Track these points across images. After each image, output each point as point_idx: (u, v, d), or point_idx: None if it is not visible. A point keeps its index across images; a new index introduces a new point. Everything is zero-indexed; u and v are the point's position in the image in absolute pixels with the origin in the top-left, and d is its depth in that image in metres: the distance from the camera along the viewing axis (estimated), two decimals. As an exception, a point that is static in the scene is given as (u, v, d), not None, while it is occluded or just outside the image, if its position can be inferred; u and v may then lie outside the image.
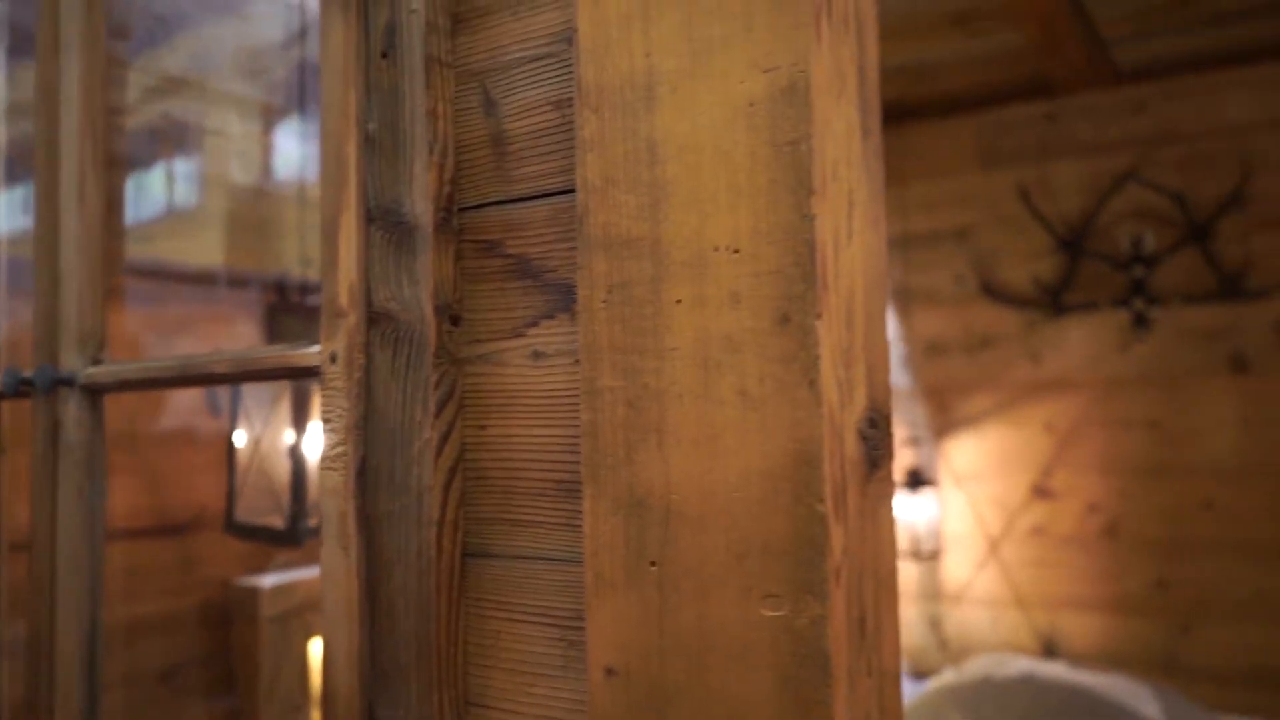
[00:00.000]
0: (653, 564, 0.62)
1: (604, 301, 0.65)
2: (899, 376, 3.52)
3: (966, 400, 3.41)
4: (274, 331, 1.77)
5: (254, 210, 2.04)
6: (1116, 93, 3.23)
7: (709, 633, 0.60)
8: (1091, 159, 3.27)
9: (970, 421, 3.40)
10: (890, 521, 0.66)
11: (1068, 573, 3.23)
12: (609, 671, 0.63)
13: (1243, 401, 3.04)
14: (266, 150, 2.05)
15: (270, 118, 2.04)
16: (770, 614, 0.58)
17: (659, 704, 0.61)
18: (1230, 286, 3.05)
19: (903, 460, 3.48)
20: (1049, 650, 3.22)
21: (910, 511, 3.32)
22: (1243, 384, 3.05)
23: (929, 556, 3.38)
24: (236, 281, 1.96)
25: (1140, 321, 3.15)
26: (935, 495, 3.38)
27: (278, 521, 1.44)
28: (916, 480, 3.34)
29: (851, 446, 0.61)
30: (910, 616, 3.46)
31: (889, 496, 0.66)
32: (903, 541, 3.37)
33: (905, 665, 3.36)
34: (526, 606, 0.72)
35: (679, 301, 0.62)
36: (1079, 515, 3.22)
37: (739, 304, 0.60)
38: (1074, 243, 3.25)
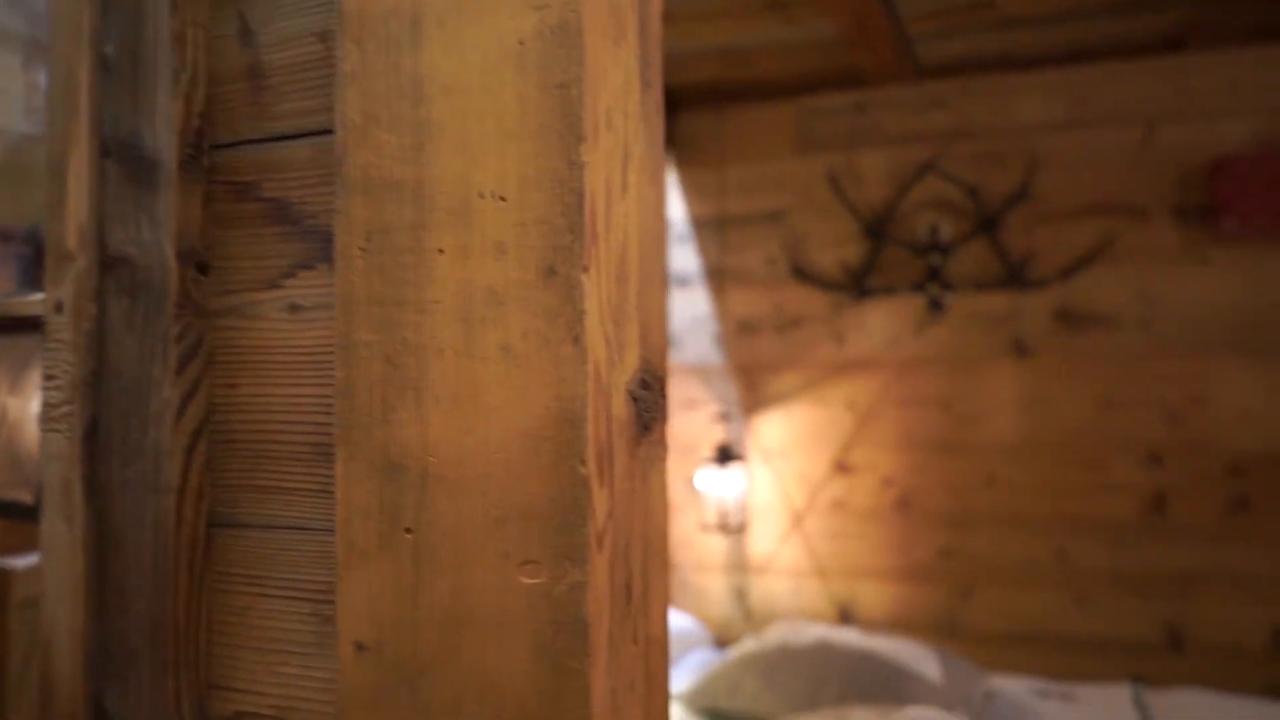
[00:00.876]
0: (408, 531, 0.58)
1: (362, 249, 0.60)
2: (713, 354, 3.59)
3: (775, 378, 3.51)
4: (31, 286, 1.60)
5: (13, 156, 1.84)
6: (919, 87, 3.38)
7: (465, 603, 0.56)
8: (895, 149, 3.41)
9: (778, 399, 3.50)
10: (662, 486, 0.65)
11: (864, 544, 3.38)
12: (359, 647, 0.59)
13: (1023, 383, 3.26)
14: (29, 89, 1.85)
15: (32, 53, 1.85)
16: (528, 581, 0.55)
17: (411, 679, 0.57)
18: (1014, 275, 3.26)
19: (713, 436, 3.55)
20: (845, 617, 3.37)
21: (719, 486, 3.40)
22: (1023, 367, 3.27)
23: (736, 530, 3.47)
24: (-8, 232, 1.77)
25: (935, 306, 3.32)
26: (743, 470, 3.46)
27: (27, 497, 1.31)
28: (726, 455, 3.41)
29: (620, 407, 0.59)
30: (718, 588, 3.54)
31: (661, 460, 0.65)
32: (711, 515, 3.45)
33: (711, 635, 3.45)
34: (278, 580, 0.67)
35: (441, 251, 0.58)
36: (875, 489, 3.38)
37: (504, 254, 0.56)
38: (877, 229, 3.39)
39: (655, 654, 0.63)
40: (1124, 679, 2.98)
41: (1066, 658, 3.10)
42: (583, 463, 0.54)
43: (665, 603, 0.64)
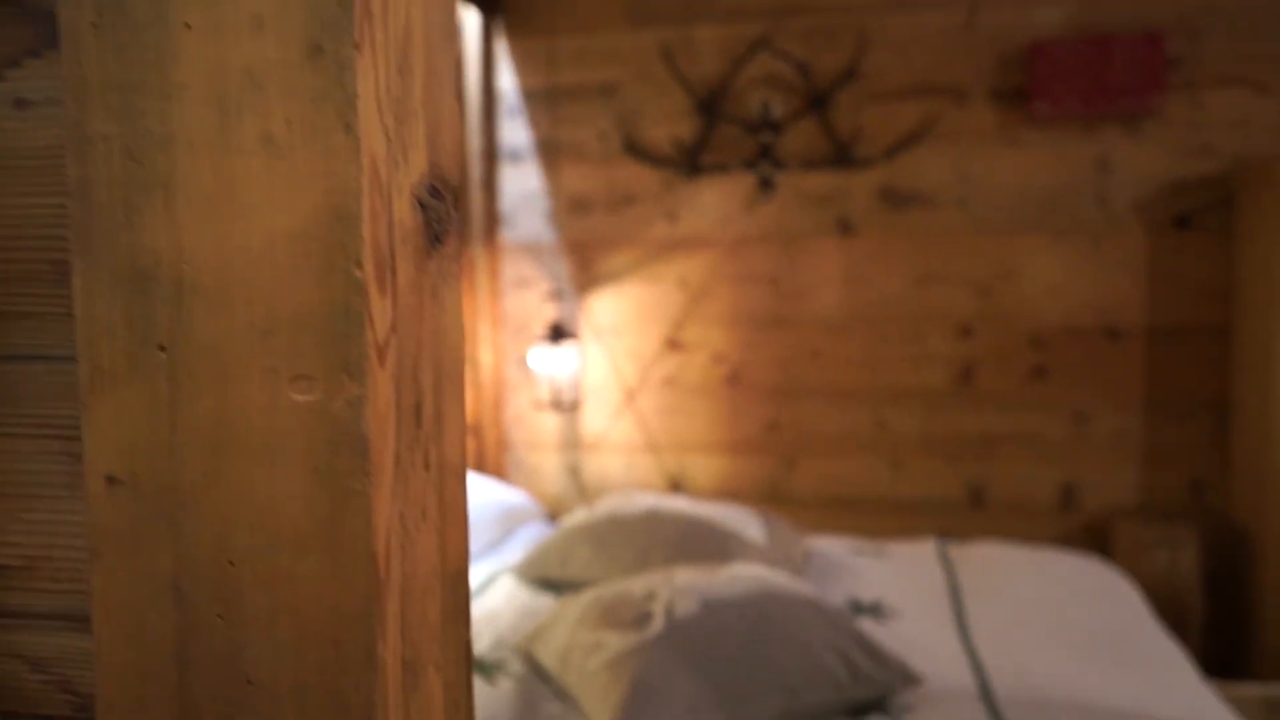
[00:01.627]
0: (161, 348, 0.51)
1: (94, 25, 0.51)
2: (545, 232, 3.52)
3: (608, 256, 3.48)
4: None
5: None
6: (754, -41, 3.33)
7: (230, 425, 0.51)
8: (729, 25, 3.37)
9: (611, 277, 3.48)
10: (457, 308, 0.60)
11: (694, 419, 3.46)
12: (110, 480, 0.52)
13: (846, 260, 3.36)
14: None
15: None
16: (301, 398, 0.50)
17: (171, 512, 0.52)
18: (842, 155, 3.31)
19: (546, 315, 3.51)
20: (676, 490, 3.46)
21: (552, 364, 3.38)
22: (847, 245, 3.36)
23: (569, 407, 3.47)
24: None
25: (765, 184, 3.35)
26: (576, 348, 3.45)
27: None
28: (558, 334, 3.38)
29: (404, 212, 0.54)
30: (552, 465, 3.56)
31: (455, 277, 0.60)
32: (545, 393, 3.43)
33: (546, 511, 3.47)
34: (22, 417, 0.59)
35: (189, 26, 0.50)
36: (705, 365, 3.44)
37: (262, 29, 0.49)
38: (710, 106, 3.36)
39: (451, 483, 0.59)
40: (932, 535, 3.19)
41: (882, 518, 3.29)
42: (358, 266, 0.49)
43: (462, 431, 0.60)
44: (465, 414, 0.61)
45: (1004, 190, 3.25)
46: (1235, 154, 3.07)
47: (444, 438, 0.58)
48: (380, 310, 0.51)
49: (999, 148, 3.25)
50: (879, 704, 1.65)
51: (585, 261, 3.51)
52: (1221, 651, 3.06)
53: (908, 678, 1.68)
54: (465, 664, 0.60)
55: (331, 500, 0.50)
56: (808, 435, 3.40)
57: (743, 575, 1.84)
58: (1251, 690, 2.55)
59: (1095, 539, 3.16)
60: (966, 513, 3.31)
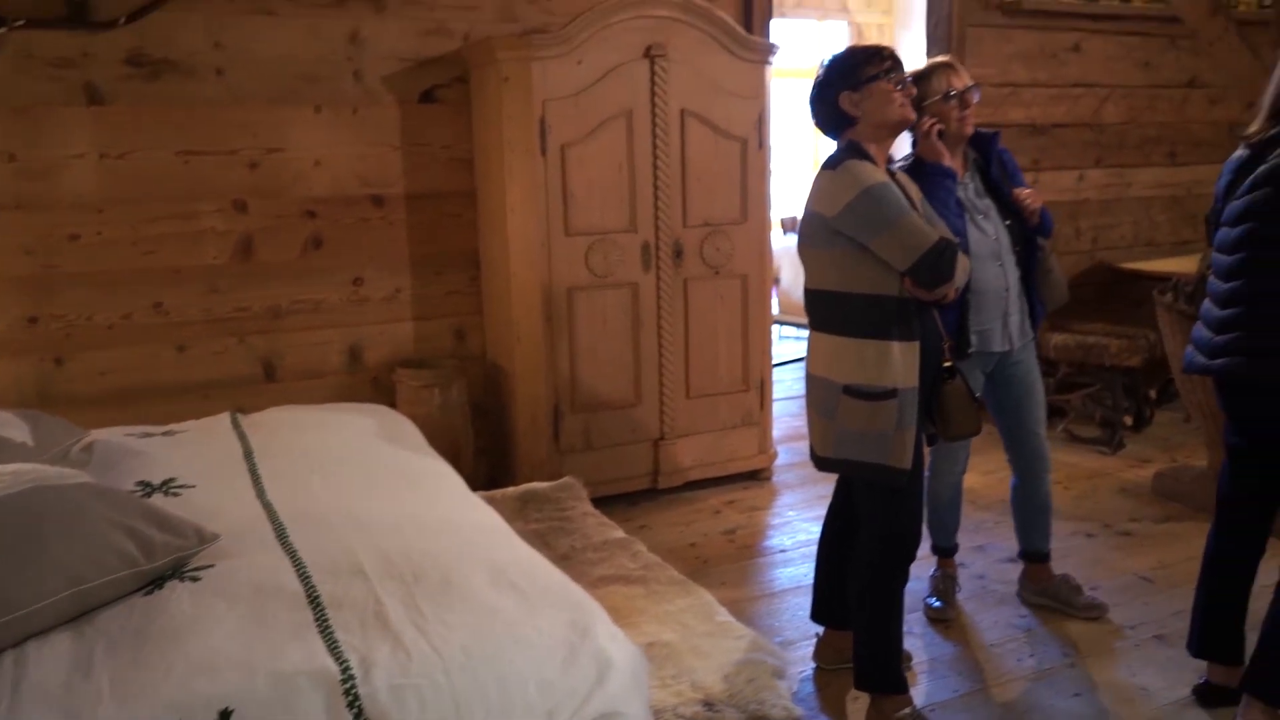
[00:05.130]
0: None
1: None
2: None
3: None
4: None
5: None
6: None
7: None
8: None
9: None
10: None
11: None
12: None
13: (98, 133, 3.06)
14: None
15: None
16: None
17: None
18: (77, 12, 2.97)
19: None
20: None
21: None
22: (97, 115, 3.06)
23: None
24: None
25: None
26: None
27: None
28: None
29: None
30: None
31: None
32: None
33: None
34: None
35: None
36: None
37: None
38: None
39: None
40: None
41: (172, 405, 3.16)
42: None
43: None
44: None
45: (263, 61, 3.23)
46: (466, 34, 3.46)
47: None
48: None
49: (252, 16, 3.20)
50: (177, 570, 1.65)
51: None
52: (494, 467, 3.62)
53: (203, 538, 1.70)
54: None
55: None
56: (75, 328, 3.10)
57: (3, 474, 1.67)
58: (509, 491, 3.08)
59: (382, 390, 3.45)
60: (262, 386, 3.35)
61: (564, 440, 3.38)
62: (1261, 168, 1.97)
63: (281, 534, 1.82)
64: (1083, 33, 4.54)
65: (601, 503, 3.30)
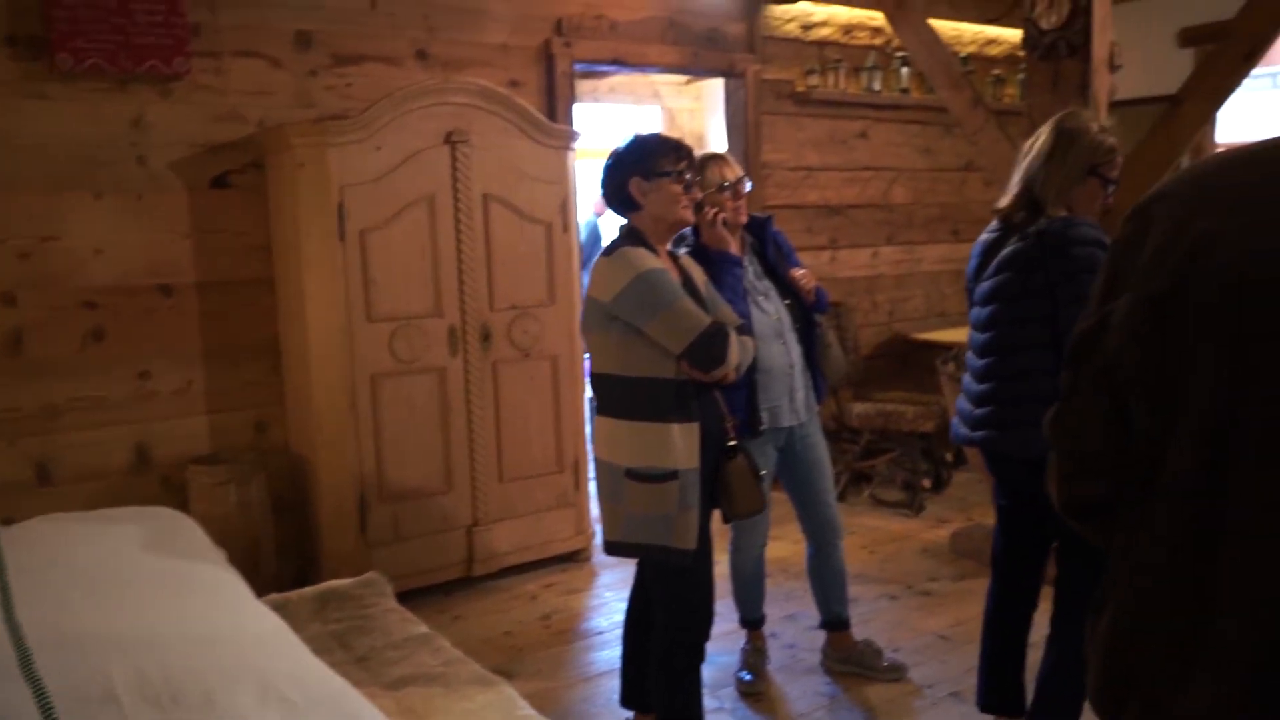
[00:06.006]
0: None
1: None
2: None
3: None
4: None
5: None
6: None
7: None
8: None
9: None
10: None
11: None
12: None
13: None
14: None
15: None
16: None
17: None
18: None
19: None
20: None
21: None
22: None
23: None
24: None
25: None
26: None
27: None
28: None
29: None
30: None
31: None
32: None
33: None
34: None
35: None
36: None
37: None
38: None
39: None
40: (-9, 523, 2.92)
41: (-74, 517, 2.88)
42: None
43: None
44: None
45: (35, 147, 3.06)
46: (260, 119, 3.38)
47: None
48: None
49: (24, 99, 3.04)
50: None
51: None
52: (299, 565, 3.45)
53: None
54: None
55: None
56: None
57: None
58: (306, 592, 2.93)
59: (173, 489, 3.25)
60: (34, 491, 3.10)
61: (372, 532, 3.27)
62: (1004, 251, 2.14)
63: (26, 660, 1.66)
64: (868, 120, 4.86)
65: (412, 595, 3.19)
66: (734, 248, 2.40)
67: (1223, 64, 3.25)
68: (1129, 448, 0.87)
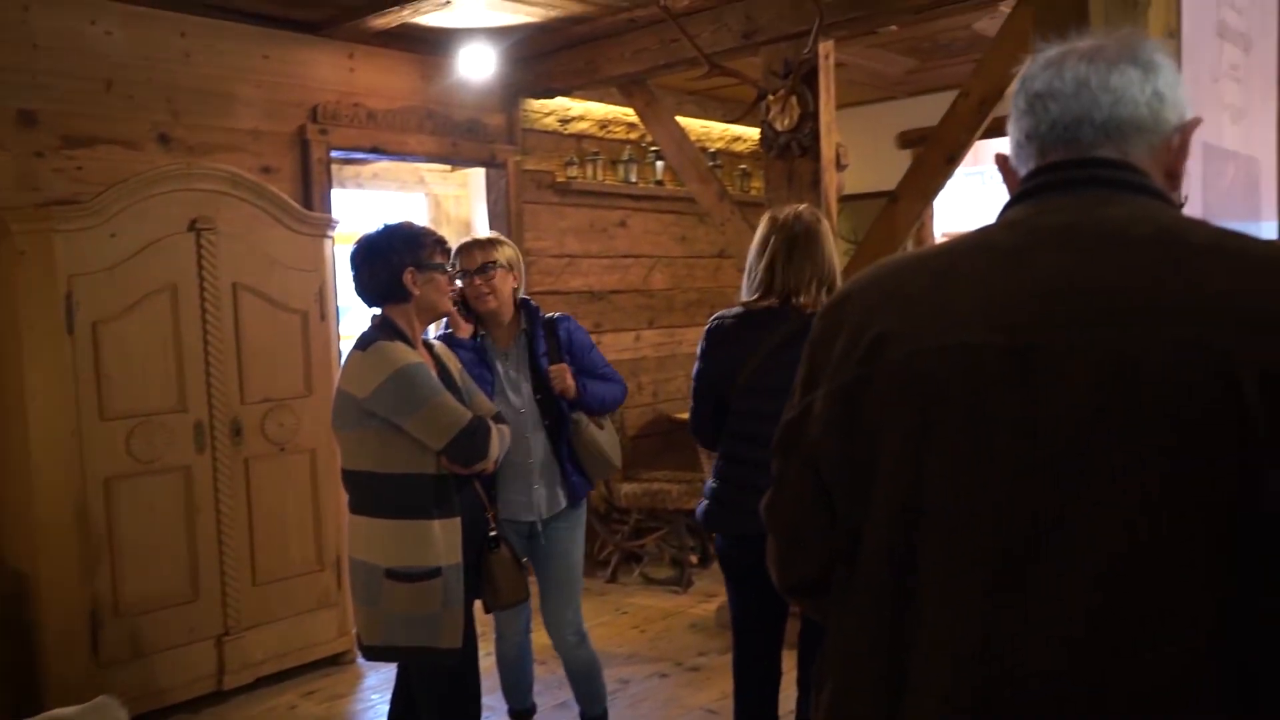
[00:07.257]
0: None
1: None
2: None
3: None
4: None
5: None
6: None
7: None
8: None
9: None
10: None
11: None
12: None
13: None
14: None
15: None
16: None
17: None
18: None
19: None
20: None
21: None
22: None
23: None
24: None
25: None
26: None
27: None
28: None
29: None
30: None
31: None
32: None
33: None
34: None
35: None
36: None
37: None
38: None
39: None
40: None
41: None
42: None
43: None
44: None
45: None
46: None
47: None
48: None
49: None
50: None
51: None
52: (18, 694, 3.07)
53: None
54: None
55: None
56: None
57: None
58: (26, 723, 2.62)
59: None
60: None
61: (105, 652, 2.98)
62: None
63: None
64: (627, 210, 5.07)
65: (154, 716, 2.93)
66: (464, 331, 2.43)
67: (928, 166, 3.64)
68: (834, 530, 0.95)
